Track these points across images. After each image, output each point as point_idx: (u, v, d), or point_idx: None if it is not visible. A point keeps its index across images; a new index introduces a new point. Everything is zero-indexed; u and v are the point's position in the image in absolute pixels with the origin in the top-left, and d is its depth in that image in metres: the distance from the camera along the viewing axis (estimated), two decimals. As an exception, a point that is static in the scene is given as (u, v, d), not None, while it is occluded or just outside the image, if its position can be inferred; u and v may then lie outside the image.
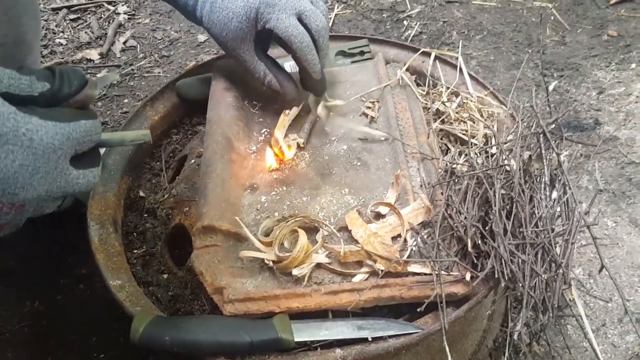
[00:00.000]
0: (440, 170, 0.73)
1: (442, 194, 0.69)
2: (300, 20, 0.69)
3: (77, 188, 0.48)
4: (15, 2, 0.74)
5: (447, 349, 0.59)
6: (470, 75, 0.88)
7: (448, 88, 0.87)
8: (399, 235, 0.66)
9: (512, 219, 0.63)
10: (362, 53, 0.95)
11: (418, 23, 1.47)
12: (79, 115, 0.47)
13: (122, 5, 1.59)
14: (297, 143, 0.78)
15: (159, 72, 1.37)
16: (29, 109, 0.43)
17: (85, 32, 1.50)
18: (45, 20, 1.54)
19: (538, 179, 0.67)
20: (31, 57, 0.82)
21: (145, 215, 0.81)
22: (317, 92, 0.78)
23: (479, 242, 0.62)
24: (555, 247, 0.62)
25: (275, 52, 0.86)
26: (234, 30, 0.70)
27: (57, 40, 1.48)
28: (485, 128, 0.80)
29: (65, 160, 0.46)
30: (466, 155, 0.76)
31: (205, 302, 0.68)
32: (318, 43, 0.71)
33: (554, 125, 0.73)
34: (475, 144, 0.78)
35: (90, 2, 1.60)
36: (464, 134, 0.81)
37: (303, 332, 0.59)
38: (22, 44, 0.78)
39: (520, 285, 0.59)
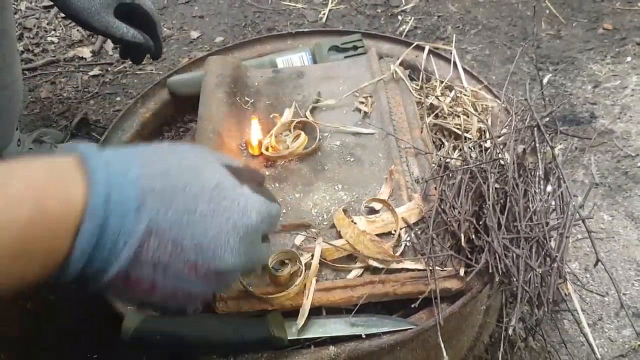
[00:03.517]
0: (434, 164, 0.72)
1: (435, 188, 0.68)
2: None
3: (262, 262, 0.56)
4: None
5: (442, 345, 0.59)
6: (464, 69, 0.88)
7: (442, 82, 0.87)
8: (390, 232, 0.65)
9: (506, 213, 0.62)
10: (355, 48, 0.94)
11: (412, 18, 1.46)
12: (274, 197, 0.51)
13: (114, 2, 1.57)
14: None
15: (152, 70, 1.35)
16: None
17: (77, 30, 1.48)
18: (37, 19, 1.53)
19: (532, 173, 0.67)
20: (12, 46, 0.84)
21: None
22: (159, 55, 0.92)
23: (473, 236, 0.62)
24: (550, 241, 0.61)
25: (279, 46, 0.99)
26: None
27: (49, 39, 1.47)
28: (479, 122, 0.79)
29: (259, 236, 0.47)
30: (460, 149, 0.75)
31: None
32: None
33: (548, 119, 0.72)
34: (469, 138, 0.77)
35: (82, -1, 1.58)
36: (457, 129, 0.80)
37: (296, 330, 0.59)
38: (5, 35, 0.79)
39: (515, 279, 0.59)
